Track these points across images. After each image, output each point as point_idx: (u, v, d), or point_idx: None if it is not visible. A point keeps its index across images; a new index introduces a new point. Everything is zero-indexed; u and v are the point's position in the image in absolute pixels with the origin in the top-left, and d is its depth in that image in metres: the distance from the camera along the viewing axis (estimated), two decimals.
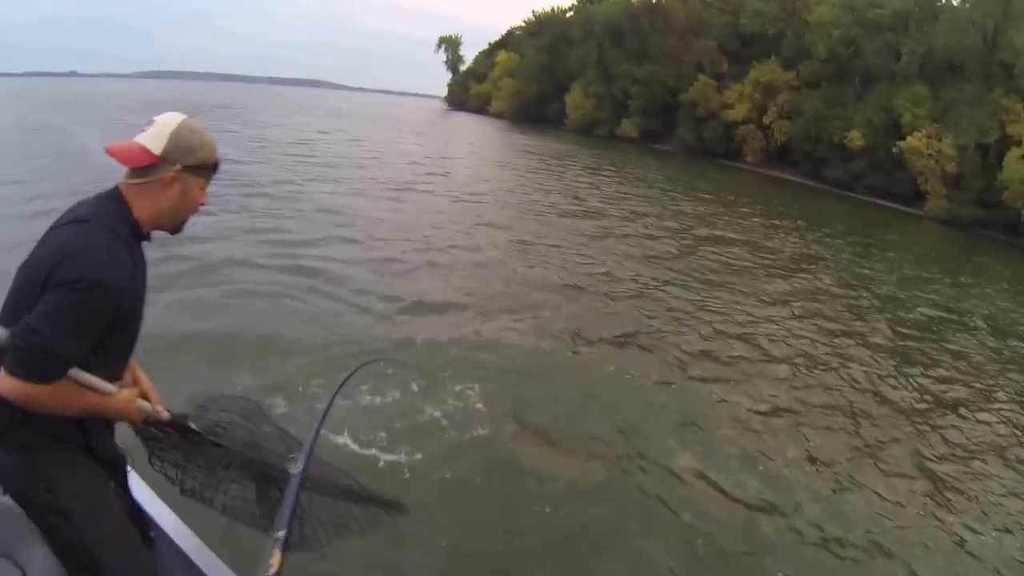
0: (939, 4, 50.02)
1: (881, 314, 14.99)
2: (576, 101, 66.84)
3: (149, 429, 2.39)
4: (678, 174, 41.99)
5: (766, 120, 53.49)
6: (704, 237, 20.60)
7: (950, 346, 13.49)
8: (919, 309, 16.50)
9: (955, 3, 49.52)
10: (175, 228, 2.14)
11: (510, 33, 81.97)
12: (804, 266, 19.17)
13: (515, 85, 73.14)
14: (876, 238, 30.23)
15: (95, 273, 1.82)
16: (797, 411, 8.68)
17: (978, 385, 11.34)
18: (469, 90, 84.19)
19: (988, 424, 9.61)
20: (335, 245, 12.69)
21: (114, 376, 2.06)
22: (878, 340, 12.73)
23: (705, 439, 7.31)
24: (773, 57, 54.73)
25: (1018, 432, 9.50)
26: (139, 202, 2.00)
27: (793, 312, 13.62)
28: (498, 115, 74.36)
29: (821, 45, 51.26)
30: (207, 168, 2.10)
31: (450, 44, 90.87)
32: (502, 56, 76.91)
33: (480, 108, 79.42)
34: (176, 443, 2.45)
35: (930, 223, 40.80)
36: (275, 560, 2.14)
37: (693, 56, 59.50)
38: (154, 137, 1.98)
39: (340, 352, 7.57)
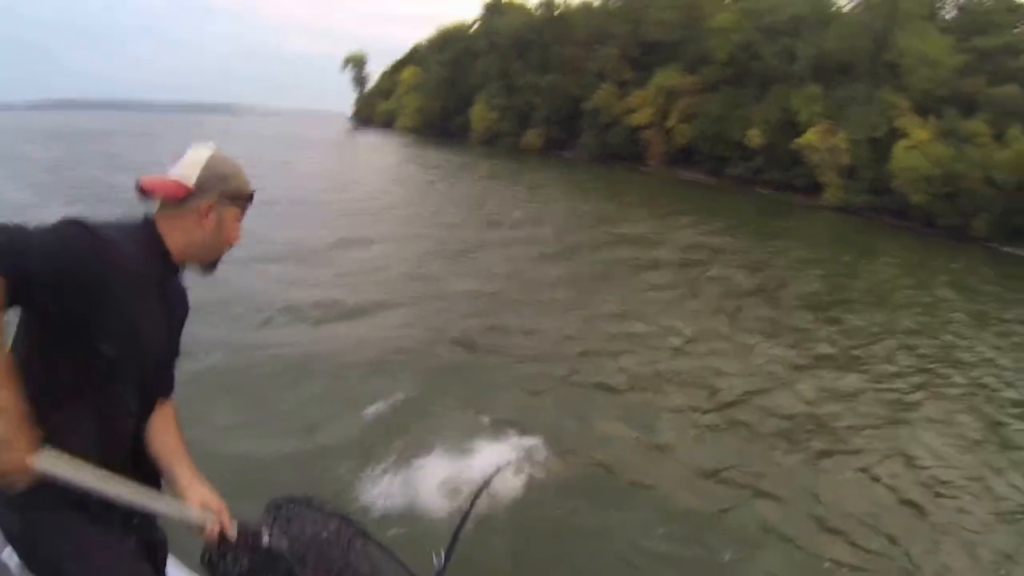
0: (831, 10, 51.44)
1: (779, 291, 16.34)
2: (480, 114, 64.97)
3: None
4: (577, 178, 42.56)
5: (668, 123, 53.43)
6: (601, 233, 21.34)
7: (844, 315, 14.98)
8: (812, 284, 17.94)
9: (846, 9, 51.25)
10: (209, 263, 1.94)
11: (415, 49, 79.63)
12: (698, 254, 20.04)
13: (420, 100, 70.82)
14: (775, 226, 31.86)
15: (84, 234, 1.60)
16: (692, 373, 9.70)
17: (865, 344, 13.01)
18: (376, 107, 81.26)
19: (860, 373, 11.10)
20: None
21: (89, 412, 1.68)
22: (768, 313, 13.83)
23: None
24: (674, 63, 54.72)
25: (885, 377, 11.05)
26: (172, 233, 1.83)
27: (687, 295, 14.57)
28: (404, 131, 71.56)
29: (721, 50, 51.90)
30: (242, 198, 1.94)
31: (356, 62, 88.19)
32: (407, 72, 74.47)
33: (387, 124, 76.48)
34: (241, 555, 1.94)
35: (827, 211, 42.55)
36: None
37: (595, 65, 58.94)
38: (187, 168, 1.84)
39: None
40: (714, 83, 51.99)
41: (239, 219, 1.94)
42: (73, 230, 1.57)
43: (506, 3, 69.41)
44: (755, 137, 47.79)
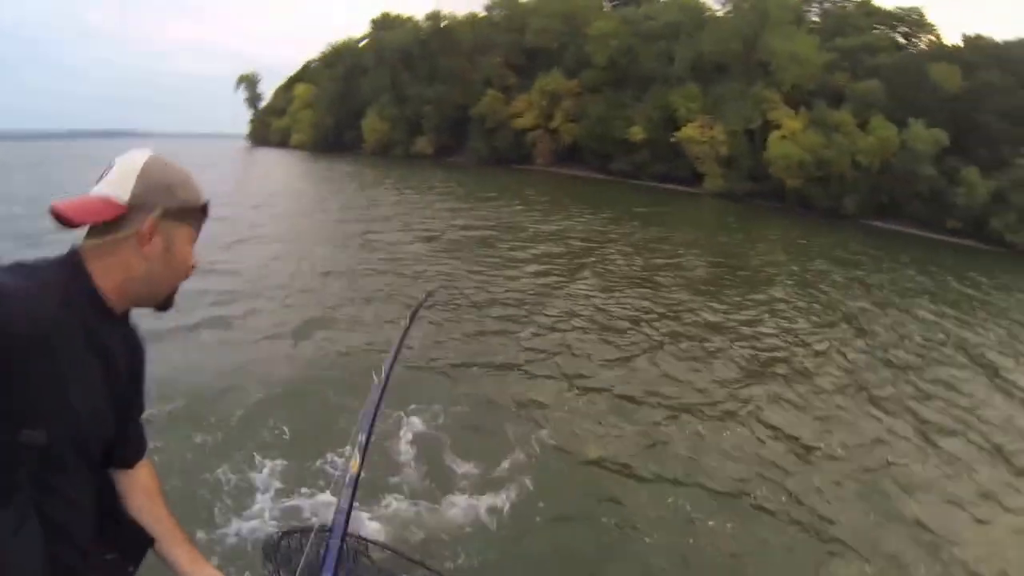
0: (705, 15, 51.85)
1: (658, 271, 16.37)
2: (372, 125, 62.62)
3: None
4: (465, 180, 41.54)
5: (553, 124, 53.25)
6: (489, 228, 20.83)
7: (719, 290, 15.09)
8: (692, 263, 18.24)
9: (719, 14, 51.65)
10: (162, 300, 1.45)
11: (306, 66, 76.91)
12: (581, 242, 19.78)
13: (313, 116, 67.85)
14: (659, 213, 31.71)
15: None
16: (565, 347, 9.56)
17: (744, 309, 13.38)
18: (271, 126, 77.63)
19: (735, 338, 11.22)
20: None
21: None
22: (646, 292, 13.88)
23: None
24: (557, 68, 54.39)
25: (757, 340, 11.24)
26: (104, 267, 1.32)
27: (569, 279, 14.22)
28: (299, 147, 68.34)
29: (601, 55, 52.15)
30: (194, 211, 1.44)
31: (248, 82, 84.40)
32: (299, 89, 71.41)
33: (282, 142, 72.76)
34: None
35: (709, 198, 43.23)
36: (354, 463, 2.13)
37: (481, 73, 58.18)
38: (116, 182, 1.33)
39: None
40: (596, 85, 52.11)
41: (193, 239, 1.46)
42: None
43: (394, 17, 67.75)
44: (638, 133, 48.12)
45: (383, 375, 2.54)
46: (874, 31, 50.29)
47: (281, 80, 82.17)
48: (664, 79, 49.28)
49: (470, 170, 51.33)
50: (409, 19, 66.23)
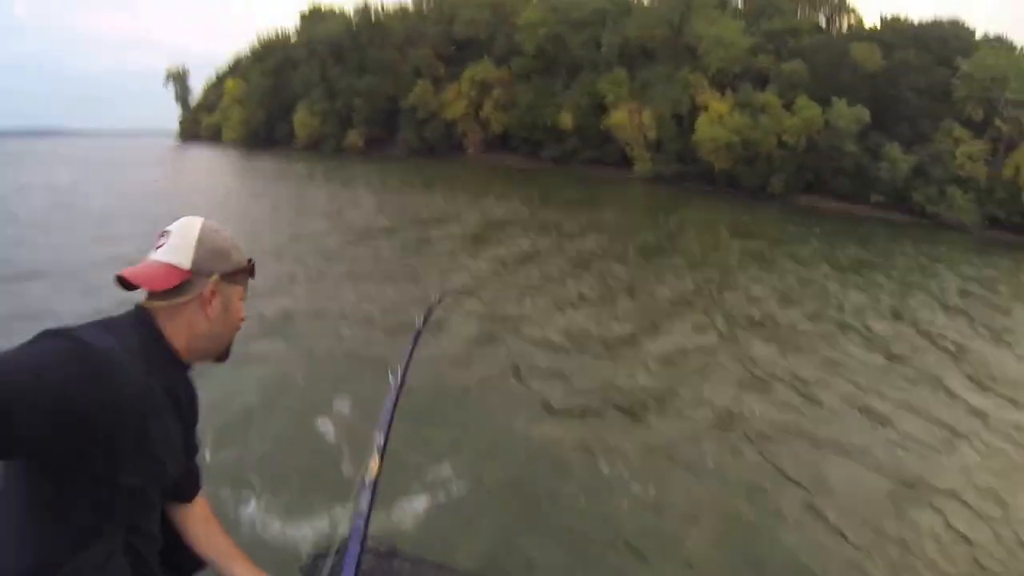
0: (632, 1, 51.15)
1: (584, 251, 16.35)
2: (303, 120, 60.04)
3: None
4: (394, 172, 39.97)
5: (483, 114, 51.73)
6: (411, 216, 20.48)
7: (645, 266, 15.49)
8: (617, 243, 18.30)
9: (646, 1, 51.09)
10: (221, 353, 1.59)
11: (237, 61, 73.59)
12: (504, 226, 19.51)
13: (244, 112, 64.60)
14: (588, 197, 31.63)
15: (78, 352, 1.17)
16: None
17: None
18: (201, 122, 73.99)
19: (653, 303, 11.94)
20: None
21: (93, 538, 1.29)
22: (569, 270, 13.82)
23: None
24: (486, 57, 52.88)
25: (676, 306, 11.78)
26: (173, 327, 1.45)
27: (495, 261, 14.06)
28: (231, 143, 65.12)
29: (529, 43, 50.95)
30: (244, 272, 1.59)
31: (177, 78, 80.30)
32: (230, 84, 67.92)
33: (213, 139, 69.21)
34: None
35: (639, 182, 42.87)
36: (373, 466, 2.10)
37: (411, 64, 56.05)
38: (178, 249, 1.46)
39: None
40: (525, 74, 50.83)
41: (243, 296, 1.61)
42: (62, 349, 1.15)
43: (324, 10, 65.25)
44: (567, 120, 47.19)
45: (399, 376, 2.54)
46: (797, 14, 49.82)
47: (212, 76, 78.26)
48: (592, 66, 48.42)
49: (401, 162, 49.74)
50: (339, 12, 63.83)
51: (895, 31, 47.22)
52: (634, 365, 8.44)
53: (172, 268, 1.41)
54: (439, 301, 4.14)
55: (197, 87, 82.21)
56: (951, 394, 8.78)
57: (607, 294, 12.29)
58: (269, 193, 27.47)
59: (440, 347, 8.11)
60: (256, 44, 69.42)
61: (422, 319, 3.44)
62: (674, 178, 42.97)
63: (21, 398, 1.03)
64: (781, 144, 41.65)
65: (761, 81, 44.91)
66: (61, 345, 1.14)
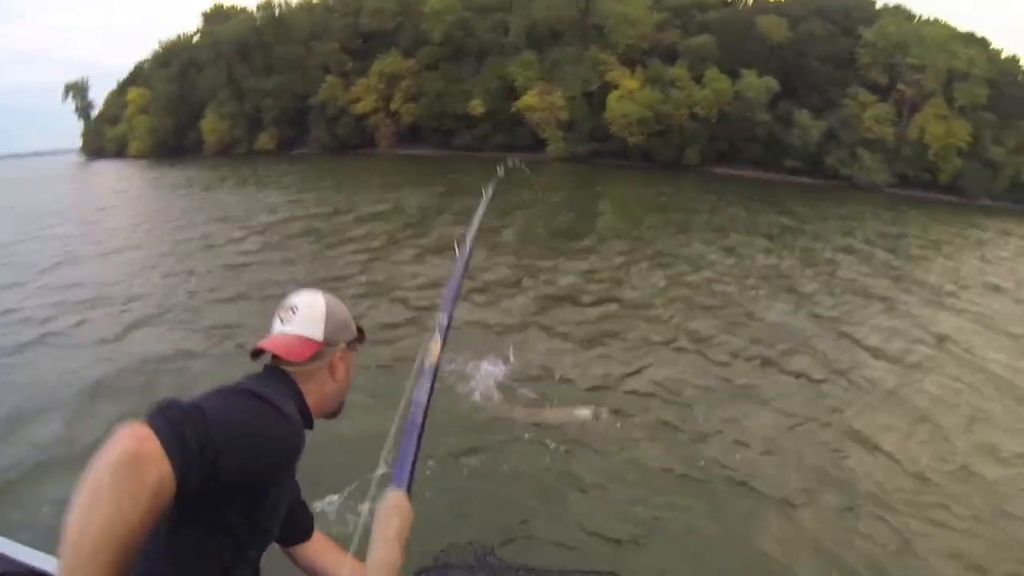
0: None
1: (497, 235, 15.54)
2: (211, 125, 56.04)
3: None
4: (305, 171, 37.62)
5: (393, 106, 48.96)
6: (318, 216, 19.35)
7: (562, 244, 15.05)
8: (532, 224, 17.51)
9: None
10: (337, 411, 1.76)
11: (139, 68, 68.47)
12: (416, 216, 19.01)
13: (150, 121, 59.83)
14: (501, 182, 29.16)
15: (274, 415, 1.39)
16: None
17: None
18: (105, 135, 68.46)
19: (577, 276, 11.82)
20: None
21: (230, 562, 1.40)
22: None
23: None
24: (394, 48, 50.14)
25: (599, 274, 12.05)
26: (307, 390, 1.61)
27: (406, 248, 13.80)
28: (138, 156, 60.01)
29: (437, 31, 48.60)
30: (360, 340, 1.80)
31: (77, 90, 74.49)
32: (133, 93, 62.88)
33: (119, 152, 63.58)
34: None
35: (554, 163, 41.25)
36: (435, 347, 2.04)
37: (318, 60, 52.88)
38: (310, 323, 1.63)
39: None
40: (433, 62, 48.35)
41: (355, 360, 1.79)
42: (262, 409, 1.34)
43: (227, 9, 61.33)
44: (477, 107, 44.99)
45: (466, 248, 2.48)
46: None
47: (114, 85, 72.41)
48: (500, 50, 46.48)
49: (313, 161, 46.62)
50: (242, 10, 59.97)
51: (800, 3, 46.78)
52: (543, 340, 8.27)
53: (308, 341, 1.58)
54: (513, 166, 3.89)
55: (100, 99, 75.57)
56: (856, 335, 9.31)
57: (514, 275, 11.84)
58: (168, 207, 24.72)
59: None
60: (158, 49, 64.52)
61: (489, 191, 3.32)
62: (589, 156, 41.72)
63: (228, 447, 1.17)
64: (693, 116, 40.92)
65: (670, 56, 43.92)
66: (261, 406, 1.33)
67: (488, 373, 6.62)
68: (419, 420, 1.75)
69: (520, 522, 4.48)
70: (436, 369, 1.92)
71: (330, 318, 1.63)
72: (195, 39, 61.78)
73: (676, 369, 7.41)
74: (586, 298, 10.52)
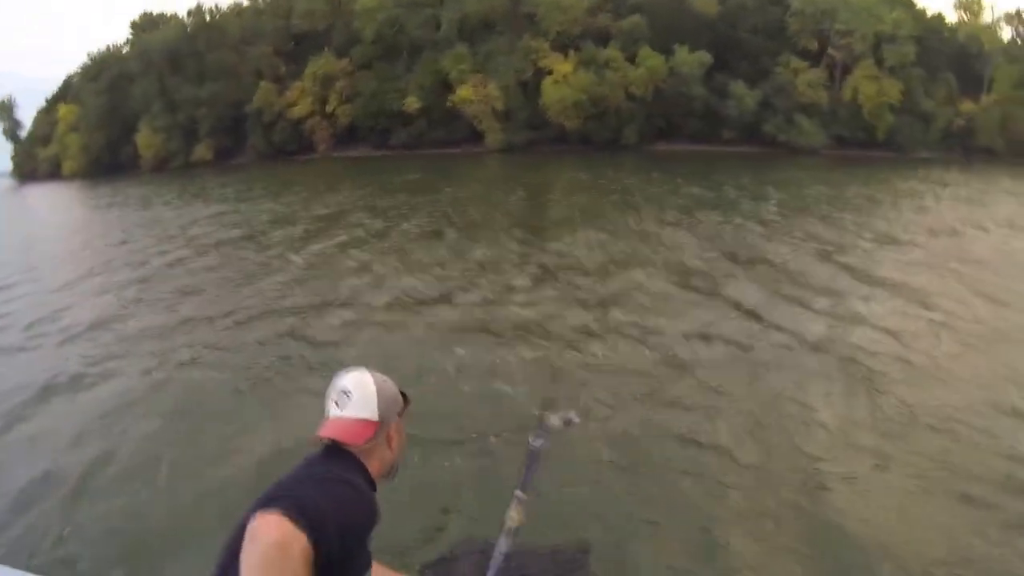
0: None
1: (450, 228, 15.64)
2: (146, 139, 54.07)
3: None
4: (241, 181, 35.68)
5: (329, 108, 47.64)
6: (247, 227, 18.38)
7: (502, 231, 14.84)
8: (472, 213, 18.27)
9: None
10: (394, 473, 1.97)
11: (67, 83, 65.24)
12: (349, 216, 18.75)
13: (81, 139, 57.39)
14: (442, 176, 30.11)
15: (362, 497, 1.73)
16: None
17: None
18: (37, 156, 65.21)
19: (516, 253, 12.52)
20: None
21: None
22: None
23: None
24: (326, 49, 48.87)
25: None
26: (370, 463, 1.83)
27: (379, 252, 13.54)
28: (73, 176, 57.33)
29: (368, 30, 47.45)
30: (406, 406, 1.98)
31: (3, 109, 70.38)
32: (63, 110, 59.88)
33: (53, 173, 60.75)
34: None
35: (492, 154, 40.75)
36: (515, 516, 2.43)
37: (251, 65, 51.26)
38: (364, 406, 1.81)
39: None
40: (366, 61, 47.12)
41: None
42: (351, 493, 1.66)
43: (156, 16, 58.76)
44: (413, 104, 43.95)
45: (540, 440, 2.73)
46: None
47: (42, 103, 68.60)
48: (433, 45, 45.46)
49: (251, 169, 45.08)
50: (172, 17, 57.55)
51: None
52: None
53: (366, 423, 1.76)
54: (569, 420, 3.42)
55: (29, 119, 71.44)
56: (801, 291, 9.37)
57: (434, 261, 12.04)
58: (98, 230, 23.12)
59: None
60: (87, 63, 61.46)
61: (551, 426, 3.13)
62: (527, 144, 41.05)
63: (339, 523, 1.52)
64: (629, 96, 40.59)
65: (603, 39, 43.40)
66: (352, 490, 1.64)
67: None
68: (500, 564, 2.32)
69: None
70: (516, 531, 2.38)
71: (381, 397, 1.81)
72: (125, 50, 59.13)
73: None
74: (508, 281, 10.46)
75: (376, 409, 1.77)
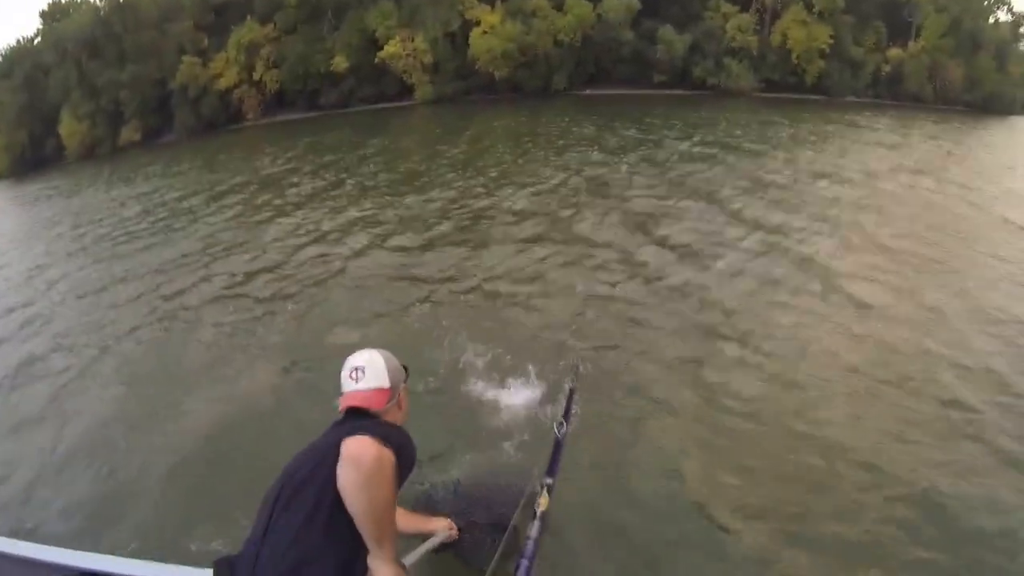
0: None
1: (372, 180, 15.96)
2: (70, 128, 51.11)
3: None
4: (173, 157, 34.41)
5: (256, 76, 45.49)
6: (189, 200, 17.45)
7: (428, 184, 14.69)
8: (408, 165, 18.07)
9: None
10: None
11: None
12: (291, 176, 18.40)
13: (2, 140, 54.12)
14: (373, 131, 29.22)
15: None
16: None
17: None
18: None
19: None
20: None
21: None
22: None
23: None
24: (249, 17, 46.54)
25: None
26: (390, 422, 2.14)
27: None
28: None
29: None
30: (406, 377, 2.31)
31: None
32: None
33: None
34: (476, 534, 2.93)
35: (423, 107, 39.70)
36: (543, 501, 2.81)
37: (173, 42, 48.61)
38: (377, 376, 2.15)
39: None
40: (291, 26, 45.05)
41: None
42: (408, 436, 2.05)
43: (66, 3, 55.69)
44: (341, 63, 42.22)
45: (565, 428, 3.18)
46: None
47: None
48: (359, 3, 43.50)
49: (180, 146, 43.08)
50: (83, 2, 54.59)
51: None
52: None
53: (381, 391, 2.10)
54: (578, 365, 4.61)
55: None
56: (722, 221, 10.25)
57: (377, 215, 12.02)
58: (24, 224, 21.80)
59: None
60: None
61: (574, 379, 4.21)
62: (457, 95, 40.13)
63: (402, 451, 1.91)
64: (557, 44, 39.56)
65: None
66: (405, 433, 2.02)
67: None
68: (531, 549, 2.58)
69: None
70: (546, 515, 2.78)
71: (389, 368, 2.15)
72: (36, 41, 55.96)
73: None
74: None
75: (387, 378, 2.12)
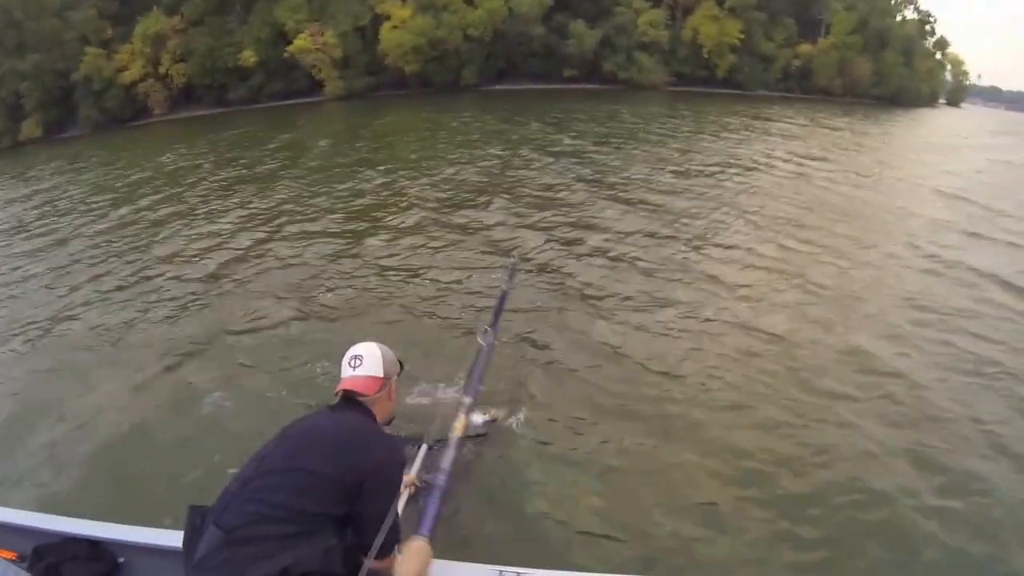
0: None
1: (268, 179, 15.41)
2: None
3: None
4: (74, 153, 32.92)
5: (163, 70, 43.32)
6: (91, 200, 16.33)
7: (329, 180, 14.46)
8: (310, 163, 17.52)
9: None
10: (391, 421, 2.36)
11: None
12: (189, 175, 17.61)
13: None
14: (279, 127, 28.32)
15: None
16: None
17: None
18: None
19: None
20: None
21: None
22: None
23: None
24: (155, 8, 44.41)
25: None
26: (376, 412, 2.21)
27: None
28: None
29: None
30: (400, 372, 2.37)
31: None
32: None
33: None
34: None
35: (332, 103, 38.64)
36: (459, 425, 2.61)
37: (75, 31, 45.72)
38: (373, 365, 2.23)
39: None
40: (199, 18, 43.11)
41: None
42: (394, 440, 2.26)
43: None
44: (250, 58, 40.49)
45: (490, 337, 2.89)
46: None
47: None
48: None
49: (83, 142, 40.75)
50: None
51: None
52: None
53: (375, 378, 2.19)
54: (516, 263, 4.34)
55: None
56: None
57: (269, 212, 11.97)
58: None
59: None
60: None
61: (508, 279, 3.85)
62: (366, 91, 39.29)
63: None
64: (468, 38, 38.97)
65: None
66: (394, 440, 2.20)
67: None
68: (443, 482, 2.37)
69: None
70: (461, 442, 2.58)
71: (385, 360, 2.24)
72: None
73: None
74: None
75: (382, 368, 2.20)
